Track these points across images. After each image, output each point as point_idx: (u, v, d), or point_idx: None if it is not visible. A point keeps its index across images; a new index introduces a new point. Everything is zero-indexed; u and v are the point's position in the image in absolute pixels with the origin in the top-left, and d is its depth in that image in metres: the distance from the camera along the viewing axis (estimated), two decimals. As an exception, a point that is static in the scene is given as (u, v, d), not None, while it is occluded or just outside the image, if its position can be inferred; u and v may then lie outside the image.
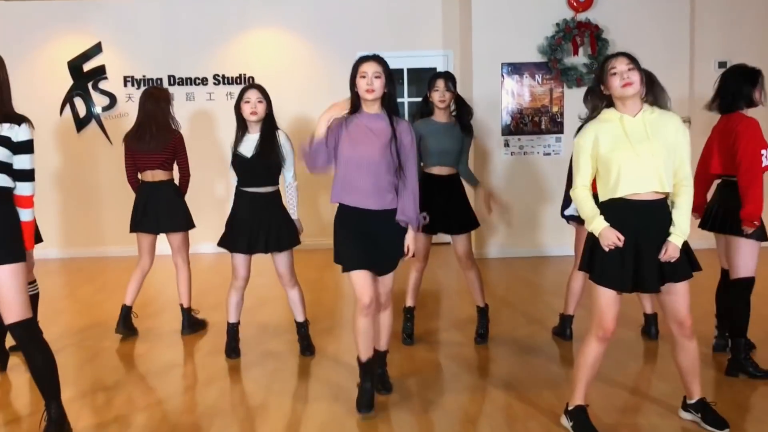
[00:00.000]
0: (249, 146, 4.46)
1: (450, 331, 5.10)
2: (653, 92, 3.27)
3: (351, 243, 3.54)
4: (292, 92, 8.38)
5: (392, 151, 3.49)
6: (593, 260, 3.19)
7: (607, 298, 3.16)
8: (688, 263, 3.17)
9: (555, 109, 7.73)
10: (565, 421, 3.38)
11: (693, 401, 3.42)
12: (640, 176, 3.08)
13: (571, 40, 7.51)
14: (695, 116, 7.78)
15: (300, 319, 4.66)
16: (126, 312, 5.09)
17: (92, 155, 8.45)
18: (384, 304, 3.73)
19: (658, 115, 3.18)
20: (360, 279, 3.54)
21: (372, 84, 3.43)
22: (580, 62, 7.59)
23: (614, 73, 3.12)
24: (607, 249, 3.11)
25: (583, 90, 7.49)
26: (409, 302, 4.82)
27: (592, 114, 3.30)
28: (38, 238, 4.65)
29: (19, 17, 8.27)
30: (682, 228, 3.14)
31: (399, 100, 8.54)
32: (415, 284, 4.80)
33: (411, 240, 3.63)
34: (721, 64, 7.75)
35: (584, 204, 3.20)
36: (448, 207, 4.59)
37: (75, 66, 8.37)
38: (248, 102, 4.45)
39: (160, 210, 5.05)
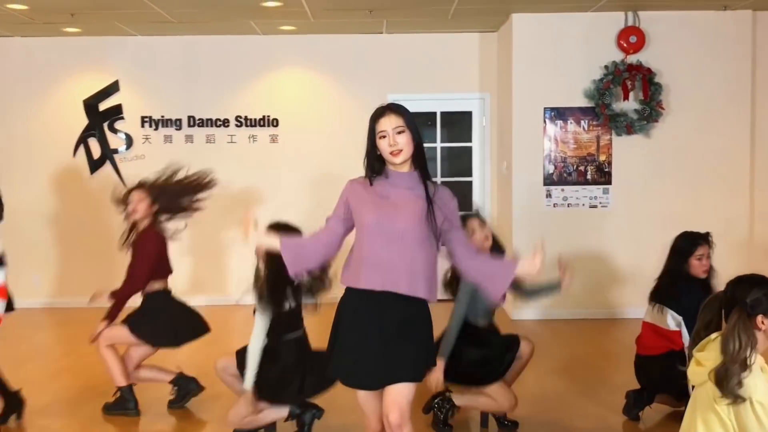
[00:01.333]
0: None
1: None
2: None
3: (356, 347, 2.79)
4: (318, 136, 7.90)
5: (431, 220, 2.78)
6: None
7: None
8: None
9: (602, 158, 7.11)
10: None
11: None
12: None
13: (621, 83, 6.91)
14: (757, 171, 7.15)
15: None
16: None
17: (105, 199, 7.91)
18: (395, 428, 2.73)
19: None
20: (364, 401, 2.86)
21: (396, 143, 2.74)
22: (631, 108, 6.97)
23: None
24: None
25: (633, 138, 7.01)
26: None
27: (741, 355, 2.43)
28: (9, 306, 4.15)
29: (34, 53, 7.89)
30: None
31: (431, 144, 8.03)
32: None
33: None
34: (786, 111, 7.12)
35: None
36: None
37: (91, 105, 7.95)
38: None
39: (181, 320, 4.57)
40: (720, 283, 3.98)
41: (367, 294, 2.77)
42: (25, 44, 7.88)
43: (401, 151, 2.75)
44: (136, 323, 4.41)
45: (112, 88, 7.96)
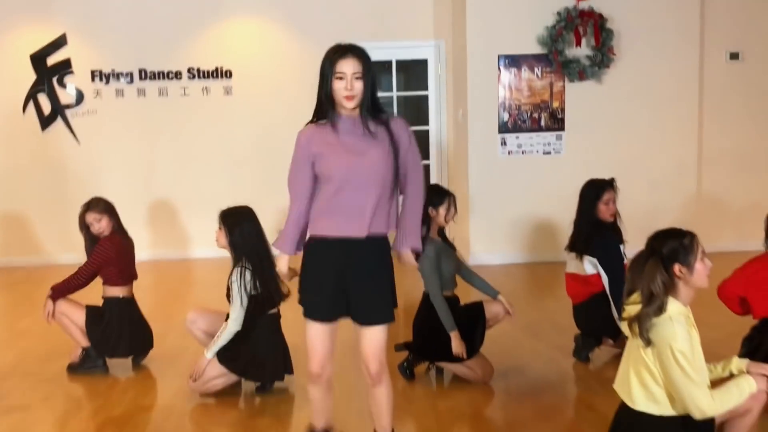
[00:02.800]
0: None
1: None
2: None
3: (320, 285, 2.86)
4: (271, 85, 7.85)
5: (393, 157, 2.81)
6: None
7: None
8: None
9: (555, 104, 7.20)
10: None
11: None
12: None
13: (573, 30, 6.97)
14: (705, 115, 7.32)
15: None
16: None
17: (58, 155, 7.86)
18: (375, 376, 2.88)
19: None
20: (316, 334, 2.90)
21: (353, 89, 2.71)
22: (583, 54, 7.05)
23: (704, 263, 2.60)
24: None
25: (585, 84, 7.11)
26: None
27: (656, 305, 2.57)
28: None
29: (-25, 6, 7.65)
30: None
31: (387, 93, 8.04)
32: None
33: (410, 259, 2.99)
34: (733, 56, 7.29)
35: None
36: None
37: (38, 59, 7.75)
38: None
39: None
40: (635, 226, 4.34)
41: (332, 240, 2.83)
42: (-35, -3, 7.63)
43: (355, 97, 2.73)
44: (91, 321, 4.44)
45: (60, 41, 7.76)
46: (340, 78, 2.71)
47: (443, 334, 3.96)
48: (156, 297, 6.36)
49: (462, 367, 4.08)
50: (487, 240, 7.29)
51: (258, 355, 3.95)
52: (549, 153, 7.27)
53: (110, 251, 4.44)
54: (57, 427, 3.79)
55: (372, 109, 2.80)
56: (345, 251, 2.82)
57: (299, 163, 2.86)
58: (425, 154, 8.06)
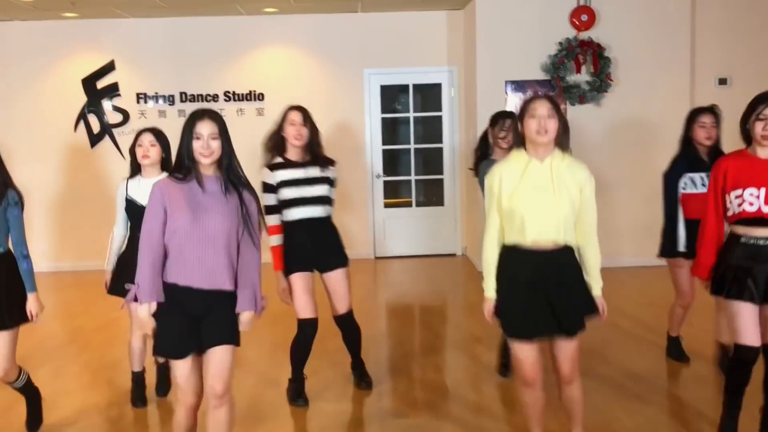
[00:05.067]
0: (142, 192, 4.12)
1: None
2: (562, 139, 3.08)
3: (176, 328, 3.03)
4: (300, 108, 8.55)
5: (240, 220, 3.03)
6: (503, 315, 3.15)
7: (522, 350, 3.14)
8: (581, 318, 3.14)
9: (558, 125, 7.86)
10: None
11: None
12: (542, 224, 3.01)
13: (574, 58, 7.65)
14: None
15: None
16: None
17: (106, 170, 8.65)
18: (216, 401, 3.04)
19: (569, 164, 3.07)
20: (181, 369, 3.07)
21: (209, 146, 2.97)
22: (583, 80, 7.73)
23: (533, 116, 3.00)
24: (486, 316, 3.17)
25: (586, 108, 7.76)
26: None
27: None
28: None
29: (34, 35, 8.47)
30: (599, 282, 3.17)
31: (405, 114, 8.74)
32: None
33: (247, 323, 3.09)
34: (722, 81, 7.89)
35: (484, 254, 3.17)
36: None
37: (89, 83, 8.57)
38: (141, 146, 4.17)
39: None
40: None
41: (183, 287, 3.02)
42: (25, 27, 8.46)
43: (212, 154, 2.98)
44: None
45: (109, 67, 8.57)
46: (198, 138, 2.96)
47: None
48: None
49: None
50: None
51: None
52: (552, 170, 7.90)
53: None
54: (119, 400, 4.51)
55: (229, 169, 3.03)
56: (196, 300, 3.01)
57: (155, 206, 3.00)
58: (439, 169, 8.75)
